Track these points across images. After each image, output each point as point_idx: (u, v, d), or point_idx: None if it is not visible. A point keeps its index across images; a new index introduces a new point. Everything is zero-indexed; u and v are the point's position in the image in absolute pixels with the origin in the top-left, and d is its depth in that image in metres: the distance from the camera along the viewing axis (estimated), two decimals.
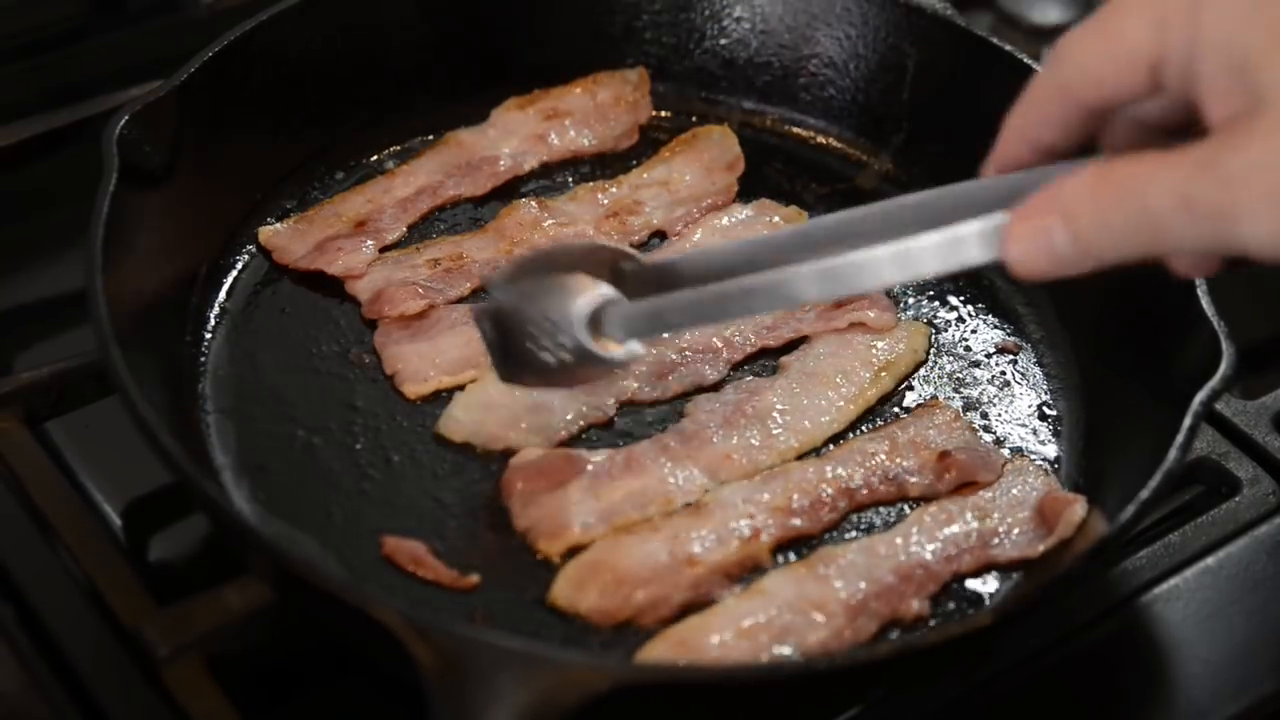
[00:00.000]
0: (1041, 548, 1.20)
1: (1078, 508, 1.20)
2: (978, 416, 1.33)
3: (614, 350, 1.16)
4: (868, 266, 1.04)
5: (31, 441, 1.25)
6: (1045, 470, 1.27)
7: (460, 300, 1.38)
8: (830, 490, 1.23)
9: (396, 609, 1.01)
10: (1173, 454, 1.13)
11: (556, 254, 1.19)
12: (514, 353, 1.17)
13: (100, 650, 1.14)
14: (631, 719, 1.07)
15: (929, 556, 1.19)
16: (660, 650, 1.12)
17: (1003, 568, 1.21)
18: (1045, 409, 1.34)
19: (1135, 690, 1.20)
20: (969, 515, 1.22)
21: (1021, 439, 1.31)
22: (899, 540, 1.20)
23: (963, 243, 1.01)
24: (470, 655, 0.99)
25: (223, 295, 1.37)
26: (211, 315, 1.35)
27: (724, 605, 1.15)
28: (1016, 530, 1.21)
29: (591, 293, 1.16)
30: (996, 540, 1.21)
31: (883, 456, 1.26)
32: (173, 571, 1.27)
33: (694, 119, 1.59)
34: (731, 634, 1.13)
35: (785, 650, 1.13)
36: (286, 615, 1.11)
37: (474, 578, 1.18)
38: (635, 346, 1.16)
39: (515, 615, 1.16)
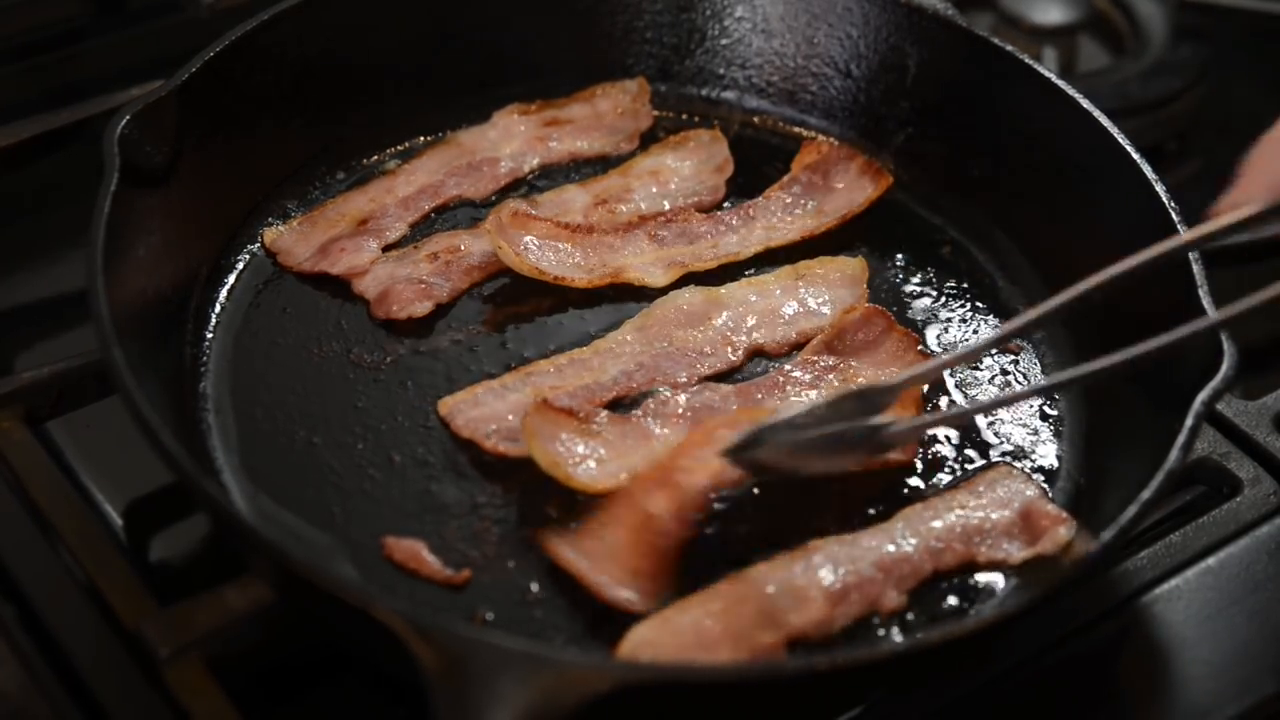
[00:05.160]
0: (1020, 556, 1.20)
1: (1063, 530, 1.20)
2: (980, 415, 1.33)
3: None
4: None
5: (32, 441, 1.26)
6: (1034, 479, 1.26)
7: (460, 294, 1.38)
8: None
9: (398, 609, 1.01)
10: (1174, 454, 1.13)
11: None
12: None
13: (101, 650, 1.14)
14: (632, 719, 1.07)
15: (911, 551, 1.20)
16: (645, 632, 1.13)
17: (982, 568, 1.21)
18: (1046, 409, 1.34)
19: (1136, 691, 1.20)
20: (953, 513, 1.23)
21: (1022, 439, 1.31)
22: (883, 533, 1.21)
23: None
24: (472, 656, 0.99)
25: (224, 295, 1.37)
26: (213, 315, 1.35)
27: (710, 590, 1.17)
28: (999, 533, 1.21)
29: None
30: (978, 539, 1.21)
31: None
32: (174, 571, 1.27)
33: (695, 119, 1.59)
34: (716, 617, 1.14)
35: (765, 636, 1.14)
36: (287, 615, 1.11)
37: (465, 573, 1.18)
38: None
39: (516, 615, 1.16)
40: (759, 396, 1.31)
